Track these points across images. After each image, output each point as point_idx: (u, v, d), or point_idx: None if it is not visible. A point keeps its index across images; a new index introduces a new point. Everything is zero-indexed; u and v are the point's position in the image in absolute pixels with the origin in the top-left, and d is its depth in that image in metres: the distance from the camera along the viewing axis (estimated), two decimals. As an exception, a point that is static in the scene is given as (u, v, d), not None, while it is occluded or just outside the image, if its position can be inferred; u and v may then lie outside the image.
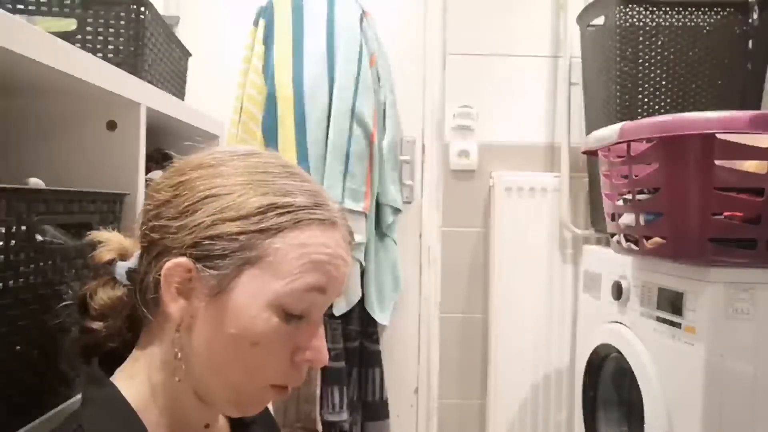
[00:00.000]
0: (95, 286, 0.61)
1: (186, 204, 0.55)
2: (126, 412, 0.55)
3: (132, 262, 0.60)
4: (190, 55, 1.32)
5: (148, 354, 0.58)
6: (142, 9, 0.94)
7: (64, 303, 0.63)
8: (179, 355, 0.56)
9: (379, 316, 1.95)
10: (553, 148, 2.10)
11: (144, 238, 0.58)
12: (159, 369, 0.57)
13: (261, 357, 0.55)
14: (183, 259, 0.54)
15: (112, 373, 0.59)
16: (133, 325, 0.61)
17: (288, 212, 0.55)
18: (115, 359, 0.60)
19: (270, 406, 0.75)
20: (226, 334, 0.54)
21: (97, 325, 0.60)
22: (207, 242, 0.54)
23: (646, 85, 1.62)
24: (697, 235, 1.14)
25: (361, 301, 1.90)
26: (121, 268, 0.60)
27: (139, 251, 0.60)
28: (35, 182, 0.72)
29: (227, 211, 0.54)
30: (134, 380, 0.57)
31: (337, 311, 1.86)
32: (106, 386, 0.56)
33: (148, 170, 0.92)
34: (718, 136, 1.09)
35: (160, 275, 0.54)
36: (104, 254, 0.61)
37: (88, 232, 0.63)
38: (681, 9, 1.61)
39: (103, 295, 0.60)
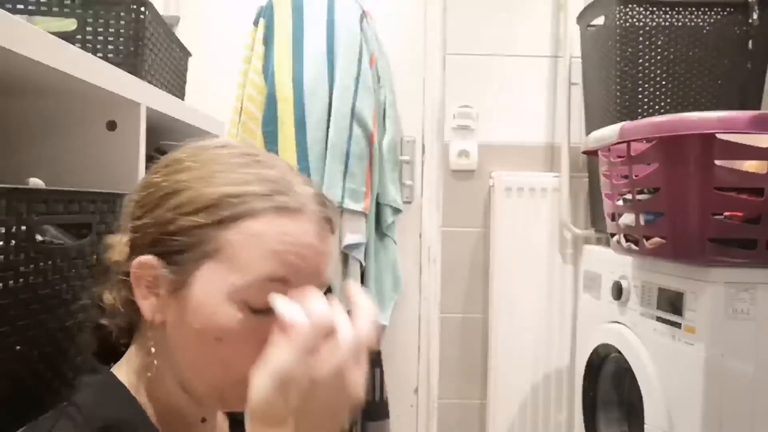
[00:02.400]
0: (104, 287, 0.61)
1: (150, 202, 0.56)
2: (122, 392, 0.56)
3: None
4: (190, 55, 1.32)
5: (134, 351, 0.59)
6: (142, 9, 0.94)
7: (80, 303, 0.64)
8: (153, 350, 0.57)
9: (379, 316, 1.95)
10: (553, 148, 2.10)
11: (129, 239, 0.59)
12: (139, 366, 0.58)
13: (228, 352, 0.53)
14: (148, 257, 0.55)
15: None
16: (131, 326, 0.62)
17: (243, 202, 0.54)
18: (117, 358, 0.60)
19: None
20: (192, 330, 0.54)
21: (107, 323, 0.61)
22: (167, 238, 0.54)
23: (646, 85, 1.62)
24: (697, 235, 1.14)
25: (361, 301, 1.90)
26: (122, 271, 0.61)
27: None
28: (35, 182, 0.72)
29: (184, 206, 0.54)
30: (124, 374, 0.59)
31: (337, 311, 1.86)
32: (101, 373, 0.58)
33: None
34: (718, 136, 1.09)
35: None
36: (113, 255, 0.61)
37: (105, 238, 0.64)
38: (681, 9, 1.61)
39: (109, 296, 0.61)
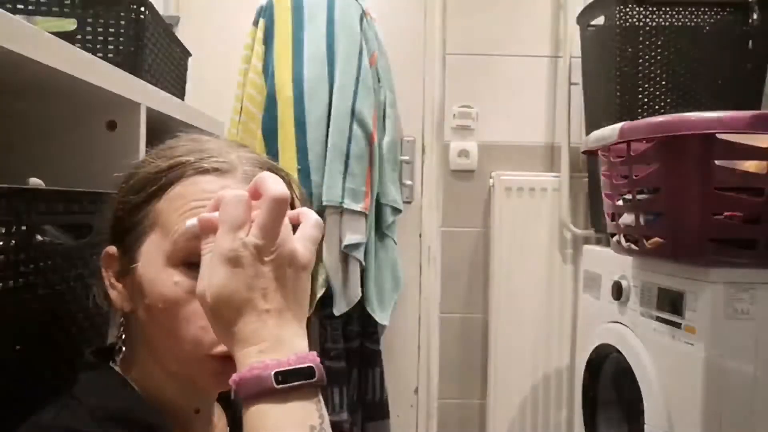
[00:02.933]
0: (104, 285, 0.62)
1: (116, 196, 0.59)
2: (122, 383, 0.57)
3: None
4: (190, 55, 1.32)
5: (125, 343, 0.60)
6: (142, 9, 0.94)
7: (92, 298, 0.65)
8: (130, 341, 0.58)
9: (379, 316, 1.95)
10: (553, 148, 2.10)
11: None
12: (126, 359, 0.59)
13: (177, 321, 0.53)
14: (109, 247, 0.58)
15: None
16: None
17: (171, 172, 0.56)
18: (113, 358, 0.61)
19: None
20: (144, 306, 0.55)
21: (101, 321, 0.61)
22: (117, 225, 0.57)
23: (646, 85, 1.62)
24: (697, 235, 1.14)
25: (361, 301, 1.90)
26: None
27: None
28: (35, 182, 0.72)
29: (129, 190, 0.57)
30: (120, 367, 0.59)
31: (337, 311, 1.86)
32: (99, 366, 0.58)
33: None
34: (718, 136, 1.09)
35: None
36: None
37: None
38: (681, 9, 1.61)
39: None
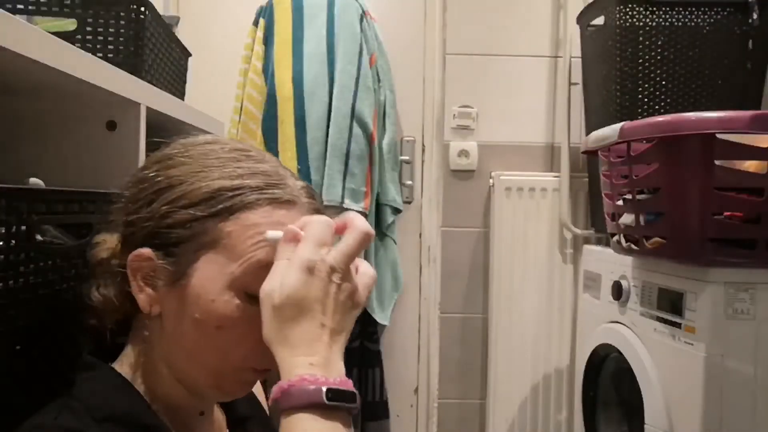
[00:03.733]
0: (92, 285, 0.62)
1: (145, 196, 0.58)
2: (122, 383, 0.57)
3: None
4: (190, 55, 1.32)
5: (129, 346, 0.60)
6: (142, 9, 0.93)
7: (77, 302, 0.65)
8: (148, 342, 0.58)
9: (379, 316, 1.95)
10: (553, 148, 2.10)
11: (121, 234, 0.60)
12: (135, 360, 0.59)
13: (228, 339, 0.56)
14: (144, 249, 0.56)
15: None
16: (128, 323, 0.62)
17: (238, 195, 0.56)
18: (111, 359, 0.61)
19: (266, 406, 0.76)
20: (191, 319, 0.55)
21: (94, 322, 0.61)
22: (163, 231, 0.56)
23: (646, 85, 1.62)
24: (697, 235, 1.14)
25: (361, 301, 1.90)
26: (115, 266, 0.62)
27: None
28: (35, 182, 0.72)
29: (180, 200, 0.56)
30: (121, 368, 0.59)
31: (337, 311, 1.86)
32: (99, 367, 0.58)
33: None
34: (718, 136, 1.09)
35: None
36: (101, 252, 0.62)
37: (95, 236, 0.64)
38: (681, 9, 1.61)
39: (103, 292, 0.61)
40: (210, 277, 0.55)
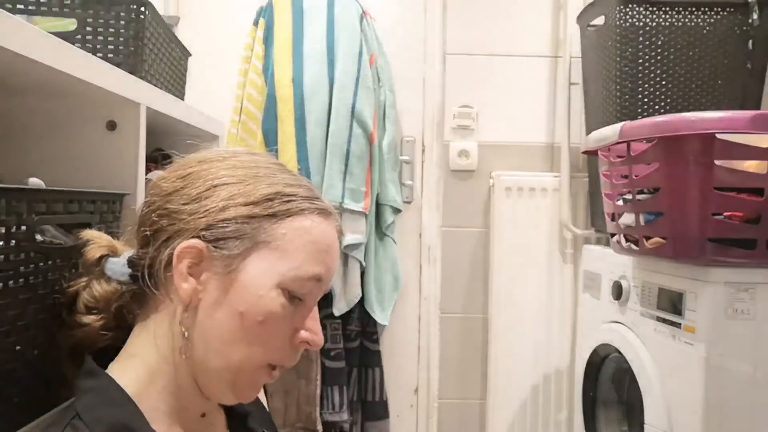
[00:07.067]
0: (87, 282, 0.63)
1: (197, 192, 0.59)
2: (122, 398, 0.57)
3: (124, 257, 0.63)
4: (190, 55, 1.32)
5: (148, 336, 0.60)
6: (142, 9, 0.94)
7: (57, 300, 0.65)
8: (186, 334, 0.59)
9: (379, 315, 1.95)
10: (553, 148, 2.10)
11: (150, 226, 0.61)
12: (160, 349, 0.59)
13: (266, 334, 0.59)
14: (196, 241, 0.58)
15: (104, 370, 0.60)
16: (124, 321, 0.63)
17: (292, 200, 0.60)
18: (107, 358, 0.61)
19: (266, 405, 0.76)
20: (235, 311, 0.57)
21: (88, 319, 0.62)
22: (219, 225, 0.58)
23: (646, 85, 1.62)
24: (697, 235, 1.14)
25: (361, 301, 1.90)
26: (113, 263, 0.63)
27: (127, 250, 0.64)
28: (35, 182, 0.72)
29: (237, 197, 0.59)
30: (130, 366, 0.59)
31: (337, 311, 1.86)
32: (100, 376, 0.58)
33: (148, 170, 0.92)
34: (718, 136, 1.09)
35: (170, 257, 0.58)
36: (95, 251, 0.63)
37: (80, 232, 0.65)
38: (681, 9, 1.61)
39: (98, 289, 0.62)
40: (260, 273, 0.58)
